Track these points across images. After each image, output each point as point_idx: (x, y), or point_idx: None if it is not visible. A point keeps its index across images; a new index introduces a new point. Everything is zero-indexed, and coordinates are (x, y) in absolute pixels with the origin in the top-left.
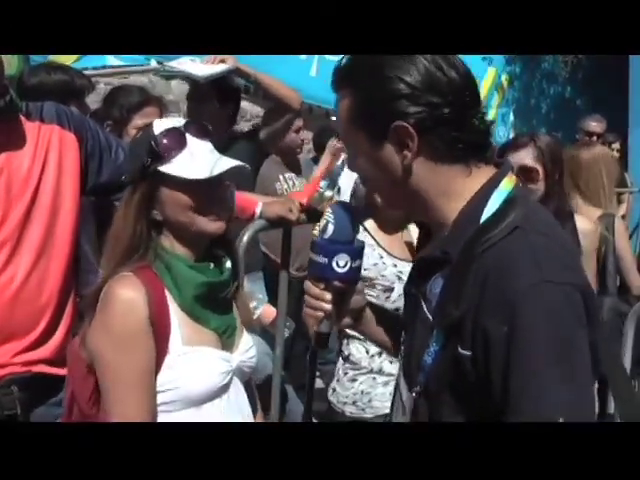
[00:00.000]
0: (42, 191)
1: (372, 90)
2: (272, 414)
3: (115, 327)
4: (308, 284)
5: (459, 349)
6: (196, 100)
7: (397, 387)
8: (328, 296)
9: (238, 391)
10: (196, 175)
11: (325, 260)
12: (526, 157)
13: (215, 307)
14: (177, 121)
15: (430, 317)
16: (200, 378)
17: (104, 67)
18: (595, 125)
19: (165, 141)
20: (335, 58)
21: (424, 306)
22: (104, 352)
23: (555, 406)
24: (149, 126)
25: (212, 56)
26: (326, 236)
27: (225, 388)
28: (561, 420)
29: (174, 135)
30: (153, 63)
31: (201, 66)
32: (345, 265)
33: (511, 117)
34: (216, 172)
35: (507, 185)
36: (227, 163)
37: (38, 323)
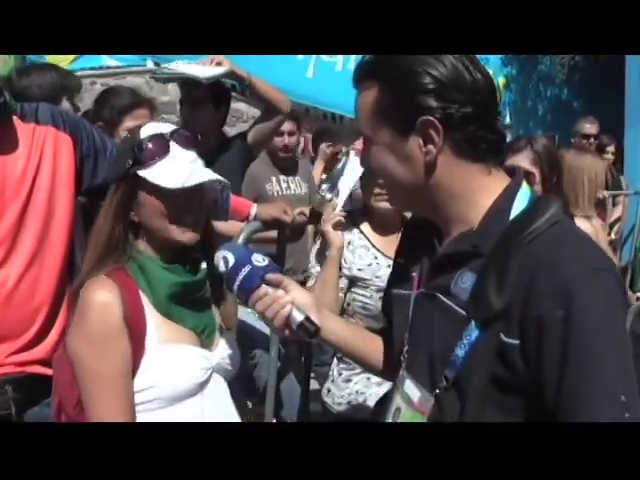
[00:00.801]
0: (37, 192)
1: (400, 83)
2: (267, 415)
3: (91, 330)
4: (256, 306)
5: (504, 338)
6: (192, 103)
7: (395, 390)
8: (278, 291)
9: (220, 388)
10: (169, 184)
11: (248, 267)
12: (523, 161)
13: (191, 306)
14: (165, 127)
15: (460, 310)
16: (179, 374)
17: (101, 68)
18: (590, 127)
19: (148, 146)
20: (332, 59)
21: (448, 301)
22: (81, 354)
23: (617, 384)
24: (138, 128)
25: (207, 58)
26: (232, 262)
27: (205, 384)
28: (623, 398)
29: (157, 141)
30: (149, 64)
31: (200, 68)
32: (264, 259)
33: (507, 119)
34: (188, 184)
35: (527, 186)
36: (204, 175)
37: (32, 324)
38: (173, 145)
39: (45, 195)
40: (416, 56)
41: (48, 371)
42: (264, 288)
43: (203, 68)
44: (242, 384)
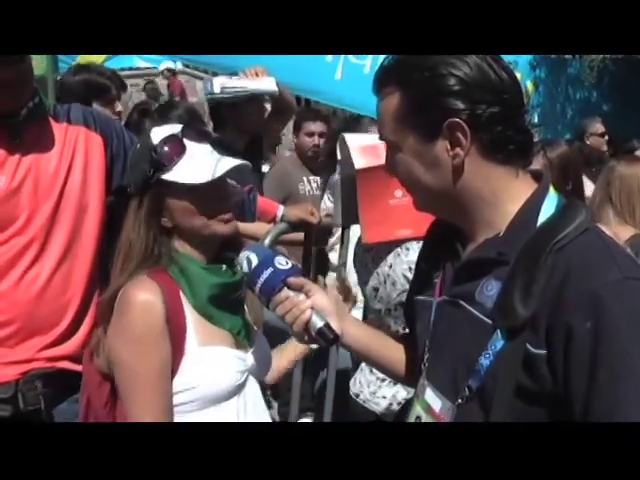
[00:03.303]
0: (69, 191)
1: (424, 86)
2: (291, 416)
3: (133, 329)
4: (276, 309)
5: (530, 348)
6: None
7: (415, 399)
8: (300, 296)
9: (253, 389)
10: (198, 179)
11: (270, 270)
12: (533, 166)
13: (229, 308)
14: (173, 127)
15: (486, 319)
16: (217, 377)
17: (130, 69)
18: (600, 126)
19: (165, 149)
20: (360, 62)
21: (472, 309)
22: (122, 354)
23: None
24: (147, 136)
25: (246, 70)
26: (255, 263)
27: (242, 386)
28: None
29: (173, 142)
30: (179, 65)
31: (260, 81)
32: (287, 262)
33: (535, 121)
34: (218, 174)
35: (555, 192)
36: (228, 163)
37: (62, 319)
38: (187, 142)
39: (77, 193)
40: (439, 58)
41: (77, 367)
42: (285, 292)
43: (263, 81)
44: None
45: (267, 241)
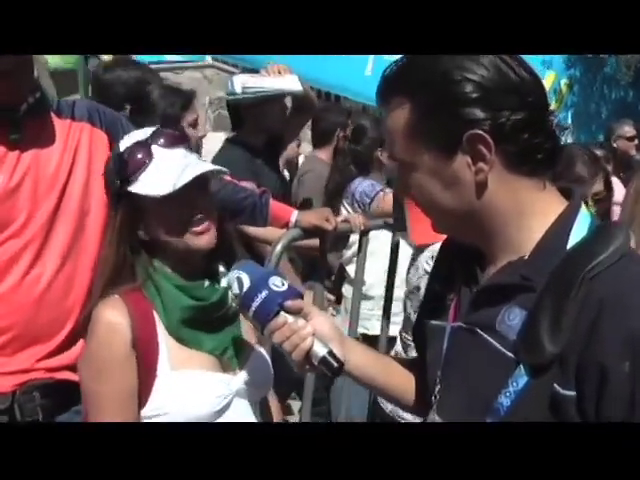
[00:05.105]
0: (70, 191)
1: (436, 96)
2: (304, 414)
3: (95, 351)
4: (273, 335)
5: (558, 388)
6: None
7: None
8: (300, 321)
9: (241, 412)
10: (159, 191)
11: (266, 293)
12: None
13: (209, 328)
14: (144, 132)
15: (507, 352)
16: (191, 403)
17: (159, 62)
18: (629, 129)
19: (130, 160)
20: (391, 57)
21: (491, 340)
22: (84, 374)
23: None
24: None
25: (269, 67)
26: (247, 284)
27: (222, 411)
28: None
29: (138, 151)
30: (208, 59)
31: (283, 79)
32: (283, 283)
33: (569, 122)
34: (180, 184)
35: (587, 210)
36: (196, 170)
37: (63, 327)
38: (156, 148)
39: (79, 193)
40: (450, 61)
41: (77, 378)
42: (282, 317)
43: (288, 79)
44: (289, 387)
45: (279, 247)
